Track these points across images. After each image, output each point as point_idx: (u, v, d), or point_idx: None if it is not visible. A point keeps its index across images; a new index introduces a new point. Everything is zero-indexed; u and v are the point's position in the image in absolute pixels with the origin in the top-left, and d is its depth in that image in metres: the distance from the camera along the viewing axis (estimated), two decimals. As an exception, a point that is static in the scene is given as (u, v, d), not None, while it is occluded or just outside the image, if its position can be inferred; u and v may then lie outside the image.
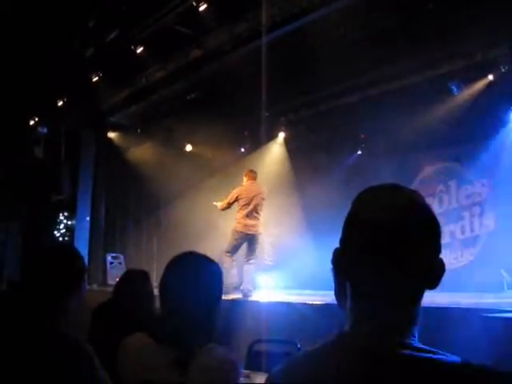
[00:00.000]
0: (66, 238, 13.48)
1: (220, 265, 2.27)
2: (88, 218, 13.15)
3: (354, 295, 1.17)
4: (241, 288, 8.11)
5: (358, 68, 9.22)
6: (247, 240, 8.45)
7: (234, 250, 8.49)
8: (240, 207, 8.53)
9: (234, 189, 8.84)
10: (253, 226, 8.42)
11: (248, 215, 8.43)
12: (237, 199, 8.58)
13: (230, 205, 8.69)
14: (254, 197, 8.52)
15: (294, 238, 11.02)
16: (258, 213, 8.47)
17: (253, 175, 8.83)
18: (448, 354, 1.09)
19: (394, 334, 1.11)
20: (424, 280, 1.16)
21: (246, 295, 7.99)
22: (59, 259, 2.36)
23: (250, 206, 8.45)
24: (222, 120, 11.31)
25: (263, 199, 8.62)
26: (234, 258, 8.46)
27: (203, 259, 2.19)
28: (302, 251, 10.84)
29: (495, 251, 9.67)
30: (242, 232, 8.43)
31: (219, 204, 8.83)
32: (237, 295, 7.87)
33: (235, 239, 8.48)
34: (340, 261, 1.19)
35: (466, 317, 4.88)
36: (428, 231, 1.15)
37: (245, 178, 8.79)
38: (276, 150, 12.82)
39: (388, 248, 1.11)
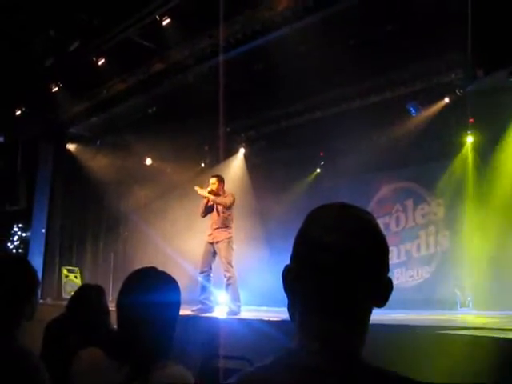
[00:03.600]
0: (20, 250, 13.19)
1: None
2: (43, 230, 12.91)
3: (302, 311, 1.17)
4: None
5: (319, 86, 9.34)
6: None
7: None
8: None
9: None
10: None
11: None
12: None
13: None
14: None
15: (251, 253, 11.02)
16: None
17: None
18: (395, 372, 1.10)
19: (342, 352, 1.12)
20: (372, 299, 1.17)
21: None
22: (11, 272, 2.31)
23: None
24: (183, 134, 11.30)
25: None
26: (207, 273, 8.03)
27: (161, 275, 2.17)
28: (260, 267, 10.85)
29: (450, 269, 9.87)
30: None
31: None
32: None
33: None
34: (289, 278, 1.20)
35: (419, 334, 4.94)
36: (375, 250, 1.16)
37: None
38: (236, 166, 12.84)
39: (335, 267, 1.11)
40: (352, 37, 8.73)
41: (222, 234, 7.95)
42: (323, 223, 1.16)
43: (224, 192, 8.17)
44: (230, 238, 7.99)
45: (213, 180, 8.18)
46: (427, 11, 7.68)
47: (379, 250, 1.17)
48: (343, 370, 1.09)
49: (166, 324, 2.09)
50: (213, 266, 8.04)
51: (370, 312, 1.17)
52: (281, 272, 1.21)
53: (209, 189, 8.08)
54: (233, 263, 7.92)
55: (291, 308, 1.21)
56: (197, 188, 8.23)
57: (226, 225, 8.01)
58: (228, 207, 8.02)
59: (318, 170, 12.38)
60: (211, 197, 8.01)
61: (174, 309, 2.14)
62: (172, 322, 2.11)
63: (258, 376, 1.14)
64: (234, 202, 8.09)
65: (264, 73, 9.65)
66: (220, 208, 8.04)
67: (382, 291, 1.17)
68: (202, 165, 13.41)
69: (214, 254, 7.99)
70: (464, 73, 8.18)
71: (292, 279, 1.19)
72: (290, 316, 1.22)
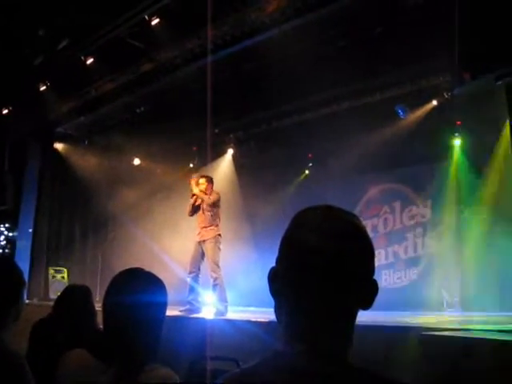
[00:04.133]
0: (7, 250, 13.11)
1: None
2: (31, 230, 12.84)
3: (288, 313, 1.18)
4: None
5: (308, 88, 9.35)
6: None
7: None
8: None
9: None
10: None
11: None
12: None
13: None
14: None
15: (239, 254, 11.01)
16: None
17: None
18: (382, 373, 1.11)
19: (328, 354, 1.13)
20: (357, 301, 1.17)
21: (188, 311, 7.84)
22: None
23: None
24: (171, 135, 11.28)
25: None
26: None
27: (148, 276, 2.16)
28: (247, 268, 10.84)
29: (437, 271, 9.92)
30: None
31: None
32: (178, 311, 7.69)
33: None
34: (275, 280, 1.20)
35: (405, 335, 4.95)
36: (362, 253, 1.17)
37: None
38: (224, 167, 12.83)
39: (321, 270, 1.12)
40: (341, 39, 8.75)
41: (209, 233, 7.98)
42: (309, 226, 1.17)
43: (211, 193, 8.18)
44: (217, 236, 8.00)
45: (202, 180, 8.22)
46: (415, 14, 7.73)
47: (366, 253, 1.17)
48: (329, 371, 1.10)
49: (153, 325, 2.08)
50: (201, 267, 8.05)
51: (356, 314, 1.18)
52: (267, 272, 1.21)
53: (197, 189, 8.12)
54: (219, 264, 7.93)
55: (278, 310, 1.21)
56: (193, 183, 8.23)
57: (212, 223, 8.04)
58: (211, 205, 8.04)
59: (307, 172, 12.39)
60: (200, 193, 8.04)
61: (160, 309, 2.13)
62: (158, 323, 2.10)
63: (244, 377, 1.14)
64: (218, 199, 8.11)
65: (253, 74, 9.65)
66: (205, 207, 8.07)
67: (367, 293, 1.18)
68: (191, 165, 13.36)
69: (203, 254, 8.00)
70: (451, 76, 8.23)
71: (278, 281, 1.19)
72: (277, 317, 1.22)
